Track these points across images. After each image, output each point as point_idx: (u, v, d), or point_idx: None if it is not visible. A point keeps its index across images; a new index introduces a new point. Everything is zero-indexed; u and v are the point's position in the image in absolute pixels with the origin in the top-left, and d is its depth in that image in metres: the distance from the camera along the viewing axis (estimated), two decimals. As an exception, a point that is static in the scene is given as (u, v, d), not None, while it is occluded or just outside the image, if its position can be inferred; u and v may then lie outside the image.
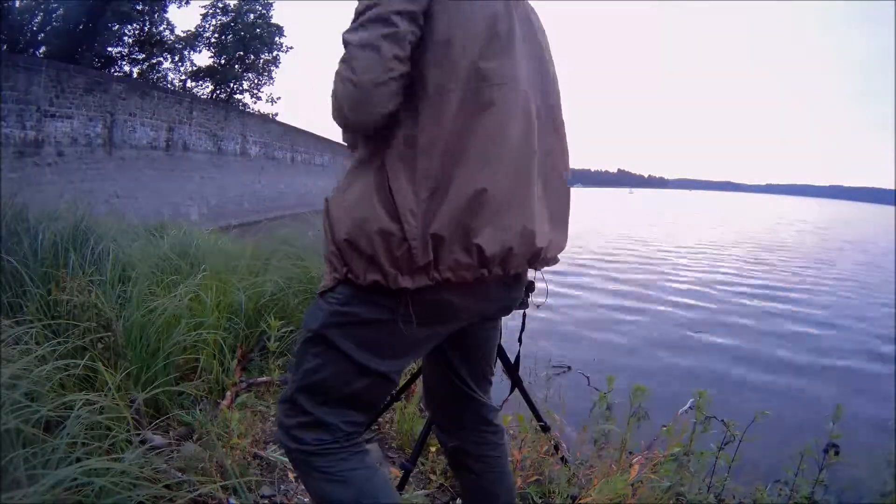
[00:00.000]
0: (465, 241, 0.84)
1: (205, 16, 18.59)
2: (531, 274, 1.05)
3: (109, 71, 15.87)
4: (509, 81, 0.87)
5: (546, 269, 1.04)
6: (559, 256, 1.04)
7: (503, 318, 1.25)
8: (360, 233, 0.83)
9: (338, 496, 0.90)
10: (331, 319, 0.89)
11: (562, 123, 1.05)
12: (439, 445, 1.81)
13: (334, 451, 0.90)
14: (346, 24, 0.85)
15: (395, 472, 1.67)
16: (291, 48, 20.69)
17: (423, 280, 0.84)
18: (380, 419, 2.14)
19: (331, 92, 0.86)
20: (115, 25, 16.06)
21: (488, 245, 0.85)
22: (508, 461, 1.22)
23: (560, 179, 1.03)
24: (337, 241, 0.86)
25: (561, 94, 1.05)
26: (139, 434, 1.57)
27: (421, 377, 1.26)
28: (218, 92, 19.57)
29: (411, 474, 1.58)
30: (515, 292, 1.01)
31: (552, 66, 1.04)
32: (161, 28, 17.58)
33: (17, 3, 13.63)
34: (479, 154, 0.85)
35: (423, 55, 0.83)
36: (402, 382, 2.00)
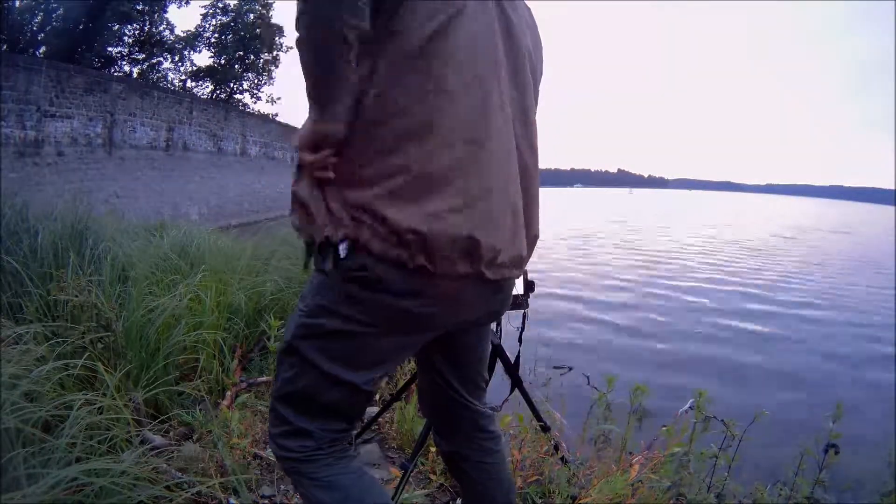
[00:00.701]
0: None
1: (205, 16, 18.59)
2: (531, 274, 1.03)
3: (109, 71, 15.86)
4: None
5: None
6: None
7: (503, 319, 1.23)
8: None
9: (325, 501, 0.90)
10: (299, 331, 0.89)
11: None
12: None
13: (319, 457, 0.90)
14: None
15: (395, 472, 1.67)
16: (291, 48, 20.68)
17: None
18: (380, 419, 2.14)
19: None
20: (115, 25, 16.04)
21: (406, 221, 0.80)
22: (507, 466, 1.21)
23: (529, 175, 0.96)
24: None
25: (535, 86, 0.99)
26: (139, 434, 1.57)
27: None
28: (218, 92, 19.56)
29: (411, 474, 1.58)
30: (497, 297, 0.96)
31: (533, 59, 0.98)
32: (161, 28, 17.58)
33: (17, 3, 13.63)
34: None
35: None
36: (401, 382, 2.01)
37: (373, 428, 2.14)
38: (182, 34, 18.25)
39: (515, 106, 0.91)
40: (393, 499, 1.45)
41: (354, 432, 1.01)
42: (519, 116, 0.92)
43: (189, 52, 18.69)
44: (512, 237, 0.90)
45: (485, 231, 0.83)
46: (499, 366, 1.62)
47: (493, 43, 0.87)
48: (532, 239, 0.98)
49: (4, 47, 12.37)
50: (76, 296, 1.81)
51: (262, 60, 20.11)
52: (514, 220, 0.90)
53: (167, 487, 1.33)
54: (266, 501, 1.61)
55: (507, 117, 0.89)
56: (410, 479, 1.61)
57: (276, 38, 19.82)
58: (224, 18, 18.78)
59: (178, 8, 17.32)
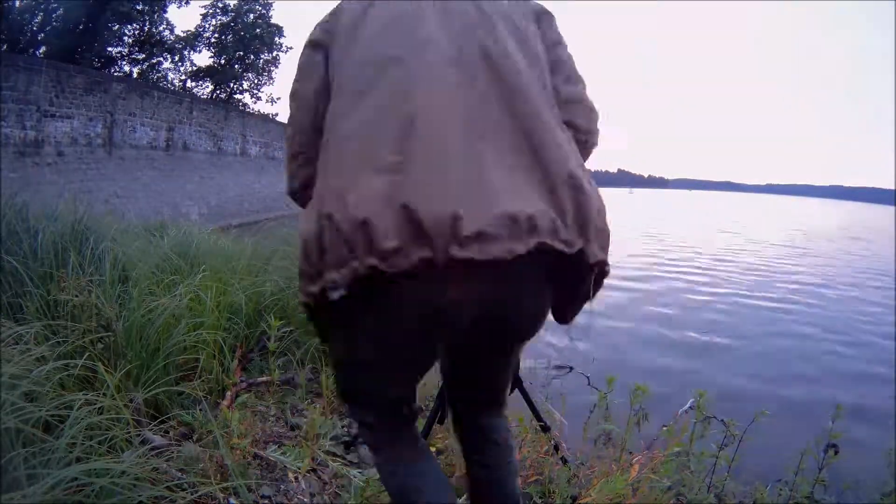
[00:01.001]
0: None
1: (205, 16, 18.63)
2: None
3: (109, 71, 15.88)
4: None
5: None
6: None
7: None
8: None
9: (387, 486, 1.01)
10: (329, 337, 0.94)
11: None
12: (443, 443, 1.82)
13: (383, 447, 0.99)
14: None
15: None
16: (291, 48, 20.71)
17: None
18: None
19: None
20: (115, 25, 16.07)
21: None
22: (514, 479, 1.17)
23: None
24: None
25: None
26: (139, 434, 1.57)
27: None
28: (218, 92, 19.58)
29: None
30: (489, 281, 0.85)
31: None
32: (161, 28, 17.62)
33: (17, 3, 13.64)
34: None
35: None
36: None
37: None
38: (182, 34, 18.30)
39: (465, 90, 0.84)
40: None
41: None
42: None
43: (189, 52, 18.75)
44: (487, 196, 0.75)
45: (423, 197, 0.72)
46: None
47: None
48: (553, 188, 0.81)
49: (4, 47, 12.37)
50: (76, 296, 1.81)
51: (262, 60, 20.14)
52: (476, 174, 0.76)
53: (168, 488, 1.33)
54: (266, 502, 1.60)
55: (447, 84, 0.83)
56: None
57: (277, 38, 19.84)
58: (224, 18, 18.82)
59: (178, 8, 17.38)
